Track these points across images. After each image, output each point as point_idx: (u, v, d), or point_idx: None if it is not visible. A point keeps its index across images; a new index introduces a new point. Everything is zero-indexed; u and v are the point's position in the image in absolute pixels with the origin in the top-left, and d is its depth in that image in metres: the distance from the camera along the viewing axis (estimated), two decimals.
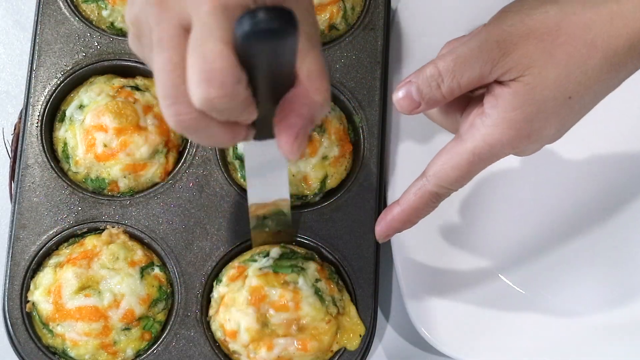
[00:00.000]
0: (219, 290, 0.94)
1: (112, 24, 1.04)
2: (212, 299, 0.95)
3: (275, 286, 0.91)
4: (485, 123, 0.80)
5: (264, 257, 0.94)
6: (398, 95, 0.82)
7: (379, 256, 0.99)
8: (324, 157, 0.99)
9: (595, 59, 0.77)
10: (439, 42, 1.10)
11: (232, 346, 0.93)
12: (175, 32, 0.65)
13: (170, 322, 0.96)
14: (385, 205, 1.01)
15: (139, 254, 0.96)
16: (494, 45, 0.78)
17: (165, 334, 0.95)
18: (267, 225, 0.95)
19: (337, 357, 0.95)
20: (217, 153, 1.00)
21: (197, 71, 0.63)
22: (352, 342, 0.94)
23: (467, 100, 0.84)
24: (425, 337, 0.98)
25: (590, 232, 1.08)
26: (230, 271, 0.94)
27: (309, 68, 0.68)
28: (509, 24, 0.79)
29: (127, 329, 0.93)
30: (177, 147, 1.02)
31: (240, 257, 0.96)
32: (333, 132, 0.99)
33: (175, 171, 1.00)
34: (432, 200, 0.86)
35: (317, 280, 0.93)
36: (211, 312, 0.95)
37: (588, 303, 1.05)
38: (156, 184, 1.00)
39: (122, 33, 1.04)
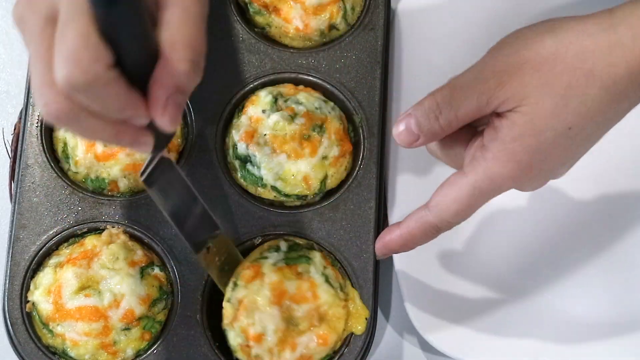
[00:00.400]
0: (236, 294, 0.91)
1: None
2: (226, 306, 0.92)
3: (292, 279, 0.91)
4: (486, 156, 0.79)
5: (275, 251, 0.94)
6: (398, 129, 0.83)
7: None
8: (324, 157, 0.99)
9: (595, 88, 0.76)
10: (439, 42, 1.11)
11: (256, 351, 0.91)
12: (41, 24, 0.66)
13: (170, 322, 0.96)
14: (385, 205, 1.02)
15: (139, 254, 0.96)
16: (490, 76, 0.77)
17: (165, 334, 0.95)
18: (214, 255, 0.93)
19: (345, 345, 0.95)
20: (217, 153, 1.00)
21: (59, 54, 0.64)
22: (358, 327, 0.95)
23: (471, 134, 0.84)
24: (425, 337, 0.98)
25: (590, 232, 1.08)
26: (244, 272, 0.92)
27: (170, 36, 0.67)
28: (505, 54, 0.78)
29: (127, 329, 0.93)
30: (177, 148, 1.02)
31: (248, 257, 0.95)
32: (333, 132, 0.99)
33: None
34: (432, 231, 0.86)
35: (324, 267, 0.94)
36: (226, 320, 0.92)
37: (588, 303, 1.05)
38: None
39: None
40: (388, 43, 1.06)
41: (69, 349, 0.93)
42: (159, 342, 0.95)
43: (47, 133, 1.01)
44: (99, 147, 0.97)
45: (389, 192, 1.02)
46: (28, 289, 0.96)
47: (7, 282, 0.95)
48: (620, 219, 1.08)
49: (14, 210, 0.98)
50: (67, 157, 1.00)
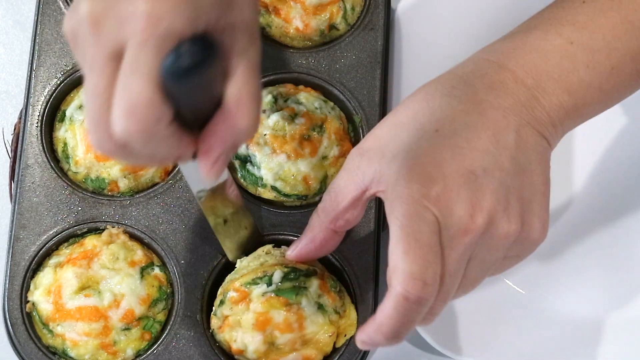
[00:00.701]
0: (222, 310, 0.92)
1: None
2: (213, 317, 0.94)
3: (280, 309, 0.90)
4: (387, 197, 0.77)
5: (267, 282, 0.91)
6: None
7: (380, 256, 0.99)
8: (324, 157, 0.99)
9: (433, 90, 0.81)
10: (439, 42, 1.11)
11: (240, 358, 0.93)
12: (107, 58, 0.64)
13: (170, 322, 0.96)
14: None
15: (139, 254, 0.96)
16: (356, 170, 0.80)
17: (165, 334, 0.95)
18: (230, 227, 0.94)
19: (345, 345, 0.95)
20: None
21: (120, 103, 0.63)
22: (344, 335, 0.94)
23: None
24: (425, 337, 0.98)
25: (590, 232, 1.08)
26: (231, 294, 0.92)
27: (238, 92, 0.66)
28: (364, 147, 0.81)
29: (127, 329, 0.93)
30: None
31: (240, 277, 0.93)
32: (333, 132, 0.99)
33: (175, 171, 1.00)
34: (406, 304, 0.73)
35: (319, 296, 0.92)
36: (214, 326, 0.94)
37: (588, 303, 1.05)
38: (156, 184, 1.00)
39: None
40: (388, 43, 1.06)
41: (69, 349, 0.93)
42: (159, 342, 0.95)
43: (47, 133, 1.01)
44: None
45: None
46: (28, 289, 0.96)
47: (7, 282, 0.95)
48: (620, 219, 1.08)
49: (14, 210, 0.98)
50: (67, 157, 1.00)
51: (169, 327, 0.95)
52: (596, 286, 1.06)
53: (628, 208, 1.09)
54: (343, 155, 1.00)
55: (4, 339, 0.95)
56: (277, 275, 0.91)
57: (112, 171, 0.98)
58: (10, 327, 0.94)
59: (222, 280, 0.98)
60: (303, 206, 1.00)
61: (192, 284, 0.97)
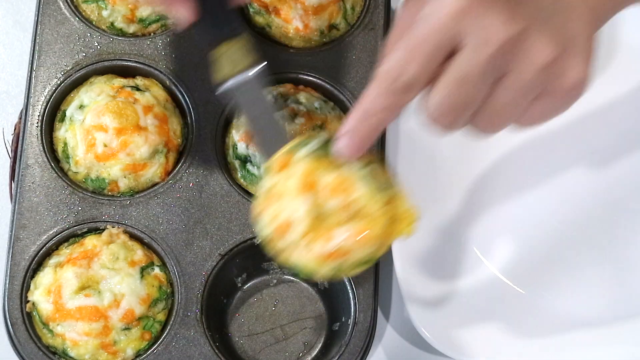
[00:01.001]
0: (265, 184, 0.83)
1: (112, 24, 1.04)
2: (258, 193, 0.83)
3: (326, 168, 0.80)
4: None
5: (311, 144, 0.82)
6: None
7: (379, 256, 0.99)
8: None
9: None
10: None
11: (284, 242, 0.82)
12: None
13: (170, 322, 0.96)
14: None
15: (139, 253, 0.96)
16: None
17: (165, 334, 0.95)
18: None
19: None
20: (217, 153, 1.00)
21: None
22: (404, 229, 0.84)
23: None
24: (425, 337, 0.98)
25: (590, 232, 1.08)
26: (275, 161, 0.83)
27: None
28: None
29: (127, 328, 0.94)
30: (177, 147, 1.02)
31: (282, 148, 0.84)
32: (331, 130, 0.99)
33: (175, 171, 1.00)
34: (391, 88, 0.73)
35: (368, 163, 0.82)
36: (255, 211, 0.83)
37: (588, 303, 1.05)
38: (156, 184, 1.00)
39: (122, 33, 1.04)
40: None
41: (69, 349, 0.93)
42: (159, 342, 0.95)
43: (47, 133, 1.01)
44: (99, 147, 0.97)
45: None
46: (28, 288, 0.96)
47: (7, 282, 0.95)
48: (620, 219, 1.08)
49: (14, 210, 0.98)
50: (67, 157, 1.00)
51: (169, 327, 0.95)
52: (596, 286, 1.06)
53: (628, 208, 1.09)
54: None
55: (4, 339, 0.95)
56: (322, 136, 0.82)
57: (112, 171, 0.98)
58: (10, 327, 0.94)
59: (222, 279, 0.99)
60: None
61: (192, 284, 0.97)
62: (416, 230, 0.83)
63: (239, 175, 1.00)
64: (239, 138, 0.99)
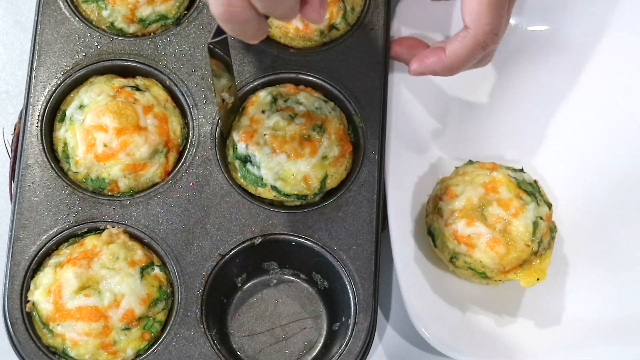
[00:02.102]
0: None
1: (112, 24, 1.04)
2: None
3: (510, 192, 0.98)
4: None
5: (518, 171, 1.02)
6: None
7: (379, 256, 0.99)
8: (324, 157, 0.99)
9: None
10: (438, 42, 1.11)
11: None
12: None
13: (170, 322, 0.96)
14: (385, 205, 1.01)
15: (139, 253, 0.96)
16: None
17: (165, 334, 0.95)
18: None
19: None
20: (217, 153, 1.00)
21: None
22: (527, 280, 0.99)
23: None
24: (425, 337, 0.98)
25: (590, 232, 1.08)
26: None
27: None
28: None
29: (127, 328, 0.93)
30: (177, 147, 1.02)
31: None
32: (333, 132, 0.99)
33: (175, 171, 1.00)
34: (477, 48, 0.92)
35: (540, 218, 0.99)
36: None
37: (588, 303, 1.05)
38: (156, 184, 1.00)
39: (122, 33, 1.04)
40: (388, 43, 1.06)
41: (69, 349, 0.93)
42: (159, 342, 0.95)
43: (47, 133, 1.01)
44: (99, 147, 0.97)
45: (389, 192, 1.02)
46: (28, 288, 0.96)
47: (7, 282, 0.95)
48: (620, 219, 1.08)
49: (14, 210, 0.98)
50: (67, 157, 1.00)
51: (169, 327, 0.95)
52: (596, 286, 1.06)
53: (628, 209, 1.09)
54: (343, 155, 1.00)
55: (4, 339, 0.95)
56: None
57: (112, 171, 0.98)
58: (10, 327, 0.94)
59: (222, 279, 0.99)
60: (303, 206, 1.00)
61: (192, 284, 0.97)
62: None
63: (239, 175, 1.00)
64: (238, 138, 0.99)
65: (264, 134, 0.98)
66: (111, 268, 0.94)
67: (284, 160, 0.97)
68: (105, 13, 1.04)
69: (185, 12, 1.05)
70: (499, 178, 0.99)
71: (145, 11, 1.03)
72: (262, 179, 0.98)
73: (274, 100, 1.00)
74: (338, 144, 1.00)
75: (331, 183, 1.00)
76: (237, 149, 1.00)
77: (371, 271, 0.98)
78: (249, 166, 0.99)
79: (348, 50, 1.04)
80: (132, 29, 1.04)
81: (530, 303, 1.04)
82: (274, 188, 0.98)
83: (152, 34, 1.05)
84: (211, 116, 1.01)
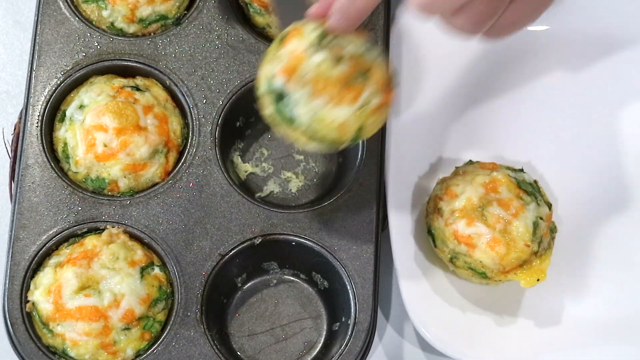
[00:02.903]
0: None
1: (112, 23, 1.04)
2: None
3: (510, 192, 0.97)
4: None
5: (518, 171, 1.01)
6: None
7: (379, 256, 0.99)
8: (363, 106, 0.89)
9: None
10: (438, 42, 1.11)
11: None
12: None
13: (170, 322, 0.96)
14: (385, 205, 1.01)
15: (139, 253, 0.96)
16: None
17: (165, 334, 0.95)
18: None
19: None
20: (217, 153, 1.00)
21: None
22: (527, 281, 0.99)
23: None
24: (425, 337, 0.98)
25: (590, 233, 1.08)
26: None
27: None
28: None
29: (127, 328, 0.93)
30: (177, 147, 1.02)
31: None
32: (377, 81, 0.90)
33: (175, 171, 1.00)
34: None
35: (540, 218, 0.97)
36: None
37: (588, 303, 1.05)
38: (156, 184, 1.00)
39: (122, 33, 1.04)
40: (388, 43, 1.06)
41: (69, 349, 0.93)
42: (159, 342, 0.95)
43: (47, 133, 1.01)
44: (99, 147, 0.98)
45: (389, 192, 1.02)
46: (28, 288, 0.96)
47: (7, 282, 0.95)
48: (620, 220, 1.08)
49: (14, 210, 0.98)
50: (67, 157, 1.00)
51: (169, 327, 0.95)
52: (596, 286, 1.06)
53: (628, 209, 1.09)
54: (382, 106, 0.91)
55: (4, 339, 0.95)
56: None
57: (112, 171, 0.98)
58: (10, 327, 0.94)
59: (222, 279, 0.99)
60: (303, 205, 1.00)
61: (192, 284, 0.97)
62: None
63: (269, 111, 0.90)
64: (278, 71, 0.89)
65: (306, 73, 0.88)
66: (111, 268, 0.94)
67: (323, 104, 0.88)
68: (105, 13, 1.04)
69: (186, 12, 1.06)
70: (499, 178, 0.99)
71: (145, 11, 1.04)
72: (296, 120, 0.89)
73: (321, 38, 0.89)
74: (380, 93, 0.90)
75: (366, 133, 0.91)
76: (273, 82, 0.89)
77: (371, 271, 0.98)
78: (282, 104, 0.89)
79: None
80: (132, 29, 1.04)
81: (530, 303, 1.04)
82: (306, 131, 0.90)
83: (152, 34, 1.05)
84: (211, 116, 1.01)
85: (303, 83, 0.88)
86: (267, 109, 0.90)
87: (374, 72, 0.90)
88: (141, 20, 1.04)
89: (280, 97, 0.89)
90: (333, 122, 0.89)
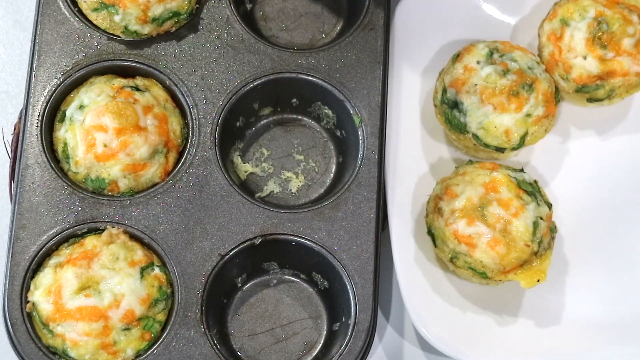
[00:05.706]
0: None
1: (126, 27, 1.02)
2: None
3: (510, 192, 0.98)
4: None
5: (518, 171, 1.03)
6: None
7: (379, 256, 0.99)
8: (528, 115, 1.01)
9: None
10: (438, 42, 1.11)
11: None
12: None
13: (170, 323, 0.96)
14: (385, 205, 1.01)
15: (139, 254, 0.96)
16: None
17: (165, 334, 0.95)
18: None
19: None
20: (217, 153, 1.00)
21: None
22: (528, 281, 0.98)
23: None
24: (425, 337, 0.98)
25: (590, 233, 1.08)
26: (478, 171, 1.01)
27: None
28: None
29: (127, 329, 0.94)
30: (177, 147, 1.02)
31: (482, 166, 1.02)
32: (541, 93, 1.02)
33: (175, 171, 1.00)
34: None
35: (541, 218, 0.98)
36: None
37: (588, 303, 1.05)
38: (156, 184, 1.00)
39: (137, 35, 1.03)
40: (388, 43, 1.06)
41: (69, 349, 0.93)
42: (159, 342, 0.95)
43: (47, 133, 1.01)
44: (99, 147, 0.97)
45: (389, 192, 1.02)
46: (28, 289, 0.96)
47: (7, 282, 0.95)
48: (619, 220, 1.08)
49: (14, 210, 0.98)
50: (67, 157, 1.00)
51: (169, 327, 0.95)
52: (596, 286, 1.06)
53: (628, 209, 1.09)
54: (546, 116, 1.02)
55: (4, 339, 0.95)
56: (528, 176, 1.03)
57: (112, 171, 0.98)
58: (10, 327, 0.94)
59: (222, 280, 0.99)
60: (303, 205, 1.00)
61: (192, 284, 0.97)
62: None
63: (444, 119, 1.04)
64: (449, 83, 1.03)
65: (475, 84, 1.01)
66: (111, 268, 0.94)
67: (490, 111, 1.01)
68: (117, 18, 1.02)
69: (197, 5, 1.05)
70: (499, 178, 0.99)
71: (157, 10, 1.02)
72: (465, 125, 1.02)
73: (491, 53, 1.03)
74: (544, 105, 1.02)
75: (530, 140, 1.03)
76: (446, 92, 1.03)
77: (371, 271, 0.98)
78: (455, 112, 1.03)
79: (348, 50, 1.04)
80: (146, 29, 1.03)
81: (530, 303, 1.04)
82: (475, 136, 1.02)
83: (168, 31, 1.04)
84: (211, 116, 1.01)
85: (472, 92, 1.01)
86: (442, 116, 1.04)
87: (538, 85, 1.02)
88: (154, 20, 1.03)
89: (454, 106, 1.03)
90: (499, 128, 1.01)
